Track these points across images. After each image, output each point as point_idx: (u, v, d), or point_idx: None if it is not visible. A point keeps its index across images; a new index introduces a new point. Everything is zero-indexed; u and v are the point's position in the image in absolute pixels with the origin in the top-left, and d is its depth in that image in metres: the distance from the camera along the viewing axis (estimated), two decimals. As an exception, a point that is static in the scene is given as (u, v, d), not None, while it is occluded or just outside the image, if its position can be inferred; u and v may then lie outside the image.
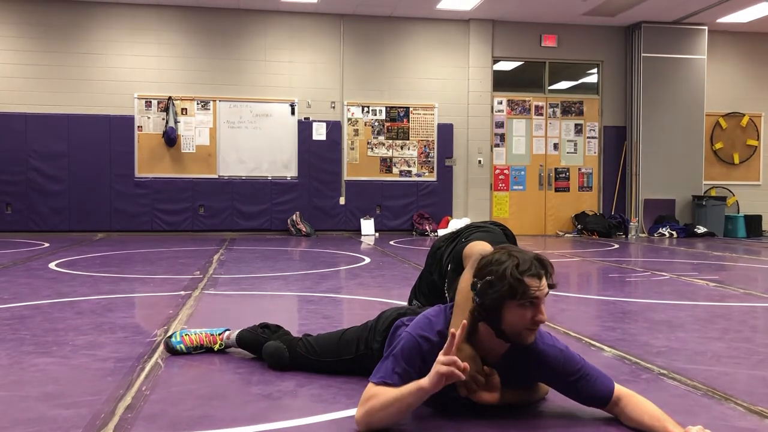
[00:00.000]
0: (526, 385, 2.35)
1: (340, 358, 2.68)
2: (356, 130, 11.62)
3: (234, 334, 3.06)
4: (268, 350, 2.81)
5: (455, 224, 11.00)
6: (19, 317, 3.90)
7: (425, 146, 11.78)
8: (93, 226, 10.79)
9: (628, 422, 2.17)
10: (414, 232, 11.44)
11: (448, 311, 2.27)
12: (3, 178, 10.55)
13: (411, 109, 11.73)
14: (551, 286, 2.13)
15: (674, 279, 5.92)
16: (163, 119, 10.93)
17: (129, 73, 10.93)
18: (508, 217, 11.81)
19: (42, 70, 10.72)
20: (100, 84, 10.87)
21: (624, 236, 11.48)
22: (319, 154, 11.41)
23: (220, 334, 3.11)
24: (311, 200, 11.39)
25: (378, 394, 2.08)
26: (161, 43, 11.05)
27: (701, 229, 11.62)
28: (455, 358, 1.98)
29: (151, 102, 10.98)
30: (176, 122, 10.93)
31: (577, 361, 2.23)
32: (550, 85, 12.35)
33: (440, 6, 11.05)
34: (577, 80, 12.67)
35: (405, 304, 3.37)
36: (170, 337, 3.10)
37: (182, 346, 3.05)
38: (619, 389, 2.22)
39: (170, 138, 10.83)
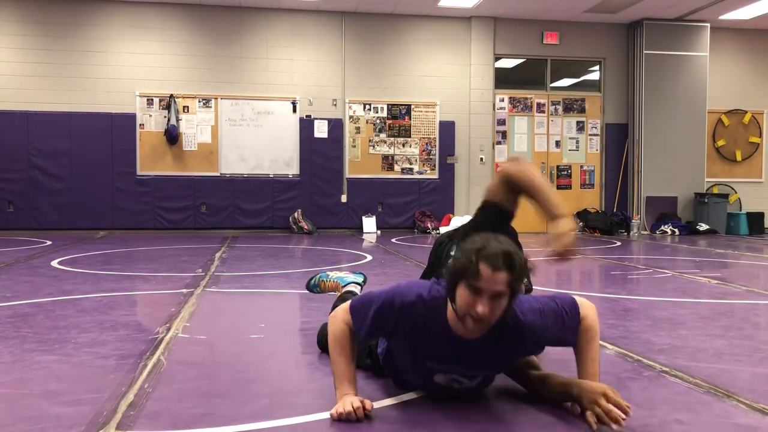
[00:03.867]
0: (512, 360, 2.34)
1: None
2: (358, 128, 11.61)
3: (348, 289, 3.35)
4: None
5: (457, 222, 10.99)
6: (22, 315, 3.91)
7: (427, 144, 11.77)
8: (95, 224, 10.80)
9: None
10: (416, 230, 11.44)
11: (435, 286, 2.25)
12: (5, 176, 10.56)
13: (413, 106, 11.72)
14: (515, 288, 2.06)
15: (676, 276, 5.91)
16: (165, 117, 10.93)
17: (131, 70, 10.93)
18: (509, 214, 11.78)
19: (44, 68, 10.73)
20: (102, 82, 10.87)
21: (626, 234, 11.47)
22: (320, 152, 11.41)
23: (344, 285, 3.44)
24: (313, 198, 11.39)
25: (339, 339, 2.26)
26: (163, 41, 11.05)
27: (703, 227, 11.60)
28: (356, 407, 2.13)
29: (152, 100, 10.98)
30: (178, 120, 10.93)
31: (553, 315, 2.24)
32: (551, 82, 12.33)
33: (442, 3, 11.03)
34: (578, 77, 12.65)
35: None
36: (311, 279, 3.66)
37: (318, 289, 3.62)
38: (581, 315, 2.27)
39: (172, 136, 10.83)
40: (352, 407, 2.13)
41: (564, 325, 2.26)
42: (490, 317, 2.06)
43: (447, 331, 2.18)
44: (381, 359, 2.55)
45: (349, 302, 2.33)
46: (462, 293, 2.07)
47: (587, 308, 2.32)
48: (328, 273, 3.68)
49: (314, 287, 3.66)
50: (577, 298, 2.34)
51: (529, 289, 2.92)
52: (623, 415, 2.06)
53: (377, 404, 2.29)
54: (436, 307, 2.18)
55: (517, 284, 2.07)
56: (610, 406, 2.09)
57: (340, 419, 2.14)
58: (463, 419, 2.21)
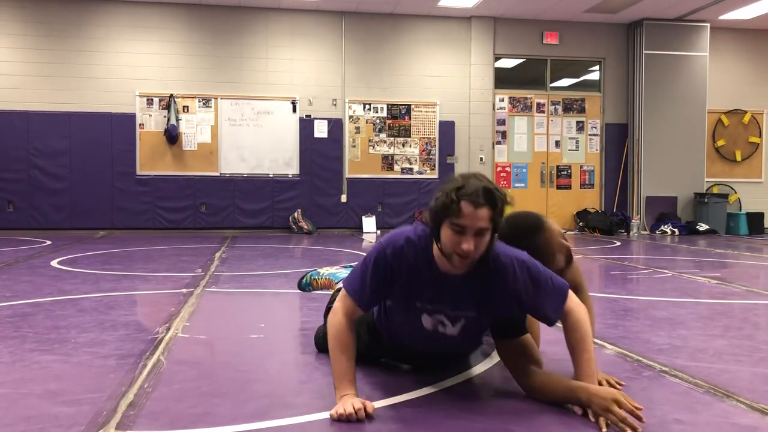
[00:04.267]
0: (491, 305, 2.31)
1: None
2: (358, 128, 11.61)
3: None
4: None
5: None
6: (22, 315, 3.91)
7: (427, 144, 11.78)
8: (95, 224, 10.81)
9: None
10: (415, 230, 11.42)
11: (419, 229, 2.30)
12: (5, 176, 10.56)
13: (412, 106, 11.72)
14: (496, 223, 2.10)
15: (676, 276, 5.91)
16: (165, 117, 10.93)
17: (130, 70, 10.93)
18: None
19: (43, 67, 10.73)
20: (102, 82, 10.87)
21: (626, 234, 11.47)
22: (320, 152, 11.41)
23: (337, 282, 3.36)
24: (313, 198, 11.39)
25: (339, 333, 2.26)
26: (163, 41, 11.05)
27: (703, 227, 11.61)
28: (357, 408, 2.10)
29: (152, 100, 10.98)
30: (178, 120, 10.93)
31: (538, 274, 2.24)
32: (551, 82, 12.34)
33: (442, 3, 11.04)
34: (578, 77, 12.65)
35: None
36: (302, 278, 3.60)
37: (310, 288, 3.57)
38: (569, 305, 2.26)
39: (172, 136, 10.83)
40: (353, 408, 2.12)
41: (546, 293, 2.25)
42: (475, 253, 2.11)
43: (434, 268, 2.23)
44: (375, 317, 2.58)
45: (343, 290, 2.36)
46: (446, 233, 2.11)
47: (576, 303, 2.30)
48: (318, 270, 3.65)
49: (306, 286, 3.63)
50: (572, 293, 2.33)
51: None
52: (638, 424, 2.03)
53: (377, 404, 2.29)
54: (425, 246, 2.24)
55: (498, 218, 2.10)
56: (624, 414, 2.05)
57: (339, 420, 2.13)
58: (463, 420, 2.21)
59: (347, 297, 2.32)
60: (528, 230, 2.56)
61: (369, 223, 11.39)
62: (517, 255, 2.27)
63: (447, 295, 2.28)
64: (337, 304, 2.33)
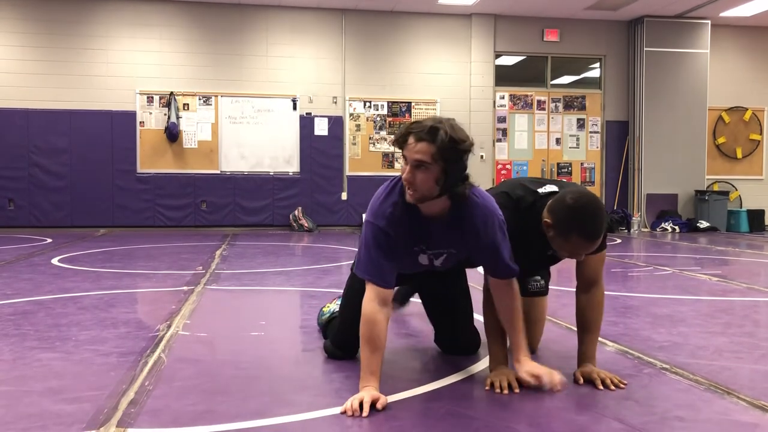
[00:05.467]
0: (464, 246, 2.51)
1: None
2: (358, 126, 11.61)
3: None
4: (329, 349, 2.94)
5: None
6: (22, 313, 3.91)
7: (427, 141, 11.76)
8: (95, 222, 10.81)
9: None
10: (416, 227, 11.43)
11: (396, 185, 2.45)
12: (5, 174, 10.56)
13: (413, 104, 11.71)
14: (444, 160, 2.23)
15: (677, 274, 5.91)
16: (165, 115, 10.92)
17: (131, 68, 10.92)
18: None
19: (43, 65, 10.72)
20: (102, 79, 10.86)
21: (626, 231, 11.47)
22: (320, 150, 11.41)
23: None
24: (313, 196, 11.39)
25: (370, 323, 2.36)
26: (163, 39, 11.04)
27: (704, 224, 11.60)
28: (365, 402, 2.19)
29: (152, 97, 10.97)
30: (178, 118, 10.93)
31: (503, 236, 2.45)
32: (552, 79, 12.33)
33: (442, 1, 11.02)
34: (579, 75, 12.64)
35: None
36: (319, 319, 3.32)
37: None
38: (496, 283, 2.49)
39: (172, 133, 10.83)
40: (357, 404, 2.19)
41: (499, 256, 2.46)
42: (414, 184, 2.28)
43: (420, 216, 2.41)
44: None
45: (364, 281, 2.46)
46: (402, 165, 2.33)
47: (516, 287, 2.52)
48: (323, 309, 3.40)
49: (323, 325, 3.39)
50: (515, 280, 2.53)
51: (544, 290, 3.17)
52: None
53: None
54: (399, 196, 2.41)
55: (446, 157, 2.23)
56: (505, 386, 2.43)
57: (345, 413, 2.19)
58: (463, 417, 2.21)
59: (368, 284, 2.42)
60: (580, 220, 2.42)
61: (369, 221, 11.37)
62: (494, 212, 2.44)
63: (434, 236, 2.47)
64: (367, 293, 2.42)
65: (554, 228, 2.41)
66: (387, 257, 2.42)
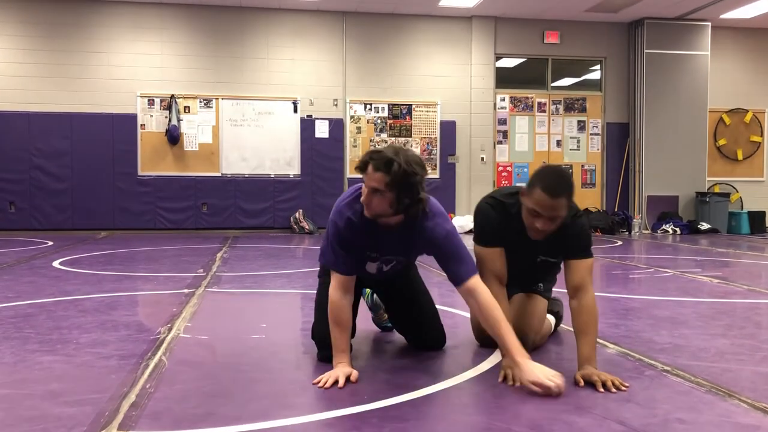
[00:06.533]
0: (412, 254, 2.90)
1: None
2: (359, 128, 11.61)
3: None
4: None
5: (459, 222, 11.00)
6: (24, 315, 3.91)
7: (428, 144, 11.78)
8: (96, 225, 10.81)
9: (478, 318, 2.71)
10: (417, 230, 11.42)
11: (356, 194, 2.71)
12: (6, 176, 10.57)
13: (413, 106, 11.72)
14: (397, 189, 2.50)
15: (678, 276, 5.91)
16: (166, 117, 10.93)
17: (131, 71, 10.94)
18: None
19: (45, 68, 10.74)
20: (103, 82, 10.88)
21: (627, 233, 11.46)
22: (321, 152, 11.42)
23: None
24: (314, 198, 11.39)
25: (336, 309, 2.69)
26: (164, 42, 11.05)
27: (704, 226, 11.60)
28: (342, 375, 2.53)
29: (153, 100, 10.98)
30: (179, 120, 10.94)
31: (455, 245, 2.67)
32: (552, 81, 12.33)
33: (442, 3, 11.03)
34: (579, 77, 12.65)
35: None
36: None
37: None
38: (474, 284, 2.62)
39: (173, 136, 10.84)
40: (330, 380, 2.50)
41: (457, 259, 2.66)
42: (371, 206, 2.56)
43: (376, 225, 2.67)
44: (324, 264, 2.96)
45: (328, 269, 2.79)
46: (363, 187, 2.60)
47: (482, 285, 2.64)
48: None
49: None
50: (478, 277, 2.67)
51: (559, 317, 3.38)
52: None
53: (379, 404, 2.30)
54: (360, 211, 2.67)
55: (399, 186, 2.49)
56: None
57: (317, 384, 2.51)
58: (463, 418, 2.21)
59: (333, 272, 2.73)
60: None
61: (370, 223, 11.38)
62: (444, 226, 2.68)
63: (386, 245, 2.75)
64: (331, 281, 2.73)
65: (523, 193, 2.65)
66: (346, 251, 2.71)
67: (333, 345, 2.67)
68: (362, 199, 2.58)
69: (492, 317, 2.57)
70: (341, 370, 2.56)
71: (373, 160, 2.52)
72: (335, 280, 2.71)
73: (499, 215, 2.78)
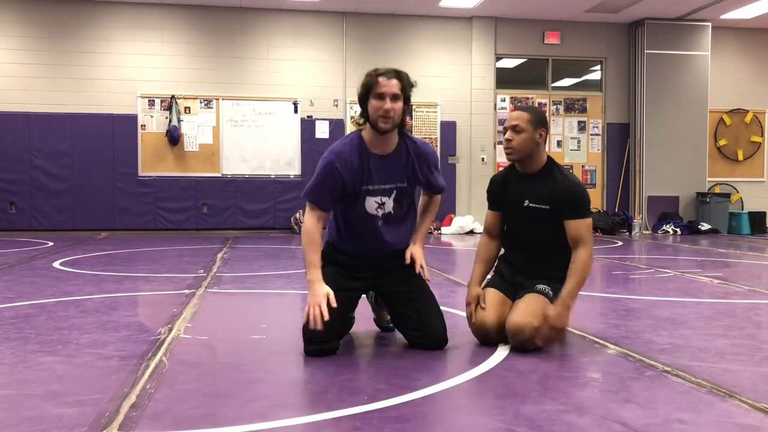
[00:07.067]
0: (405, 177, 3.08)
1: None
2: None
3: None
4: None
5: (459, 222, 11.00)
6: (24, 316, 3.91)
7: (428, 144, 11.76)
8: (96, 225, 10.82)
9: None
10: (417, 230, 11.41)
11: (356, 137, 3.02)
12: (7, 177, 10.57)
13: (414, 106, 11.71)
14: (407, 93, 2.91)
15: (678, 276, 5.91)
16: (167, 118, 10.94)
17: (132, 71, 10.94)
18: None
19: (45, 69, 10.74)
20: (103, 83, 10.88)
21: (627, 233, 11.46)
22: (322, 152, 11.20)
23: None
24: (314, 198, 11.37)
25: (309, 234, 2.97)
26: (164, 42, 11.06)
27: (705, 226, 11.60)
28: (321, 301, 2.81)
29: (154, 101, 10.99)
30: (179, 121, 10.95)
31: (437, 160, 3.23)
32: (553, 82, 12.33)
33: (443, 3, 11.04)
34: (580, 77, 12.65)
35: None
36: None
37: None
38: (438, 196, 3.34)
39: (173, 137, 10.84)
40: (318, 316, 2.77)
41: (438, 173, 3.23)
42: (395, 113, 2.86)
43: (369, 154, 2.97)
44: (332, 241, 3.17)
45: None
46: (372, 104, 2.88)
47: (436, 198, 3.33)
48: None
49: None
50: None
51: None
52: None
53: (379, 404, 2.31)
54: (354, 139, 3.00)
55: (406, 91, 2.91)
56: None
57: (308, 324, 2.83)
58: (464, 419, 2.21)
59: (310, 204, 2.98)
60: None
61: (371, 224, 11.38)
62: (428, 145, 3.18)
63: (382, 171, 2.99)
64: (307, 215, 2.99)
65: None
66: (329, 190, 2.95)
67: (307, 262, 2.92)
68: (386, 107, 2.82)
69: (427, 213, 3.31)
70: (320, 293, 2.82)
71: (380, 74, 2.86)
72: (313, 214, 2.97)
73: (492, 184, 3.47)
